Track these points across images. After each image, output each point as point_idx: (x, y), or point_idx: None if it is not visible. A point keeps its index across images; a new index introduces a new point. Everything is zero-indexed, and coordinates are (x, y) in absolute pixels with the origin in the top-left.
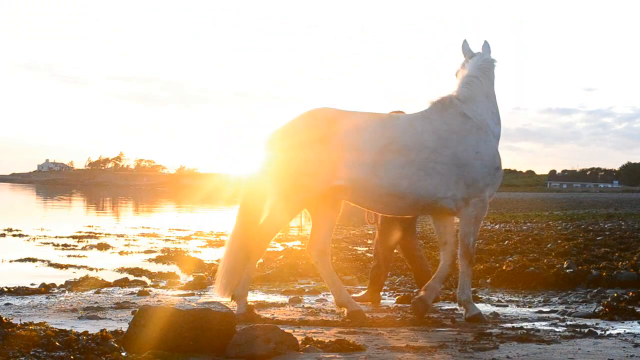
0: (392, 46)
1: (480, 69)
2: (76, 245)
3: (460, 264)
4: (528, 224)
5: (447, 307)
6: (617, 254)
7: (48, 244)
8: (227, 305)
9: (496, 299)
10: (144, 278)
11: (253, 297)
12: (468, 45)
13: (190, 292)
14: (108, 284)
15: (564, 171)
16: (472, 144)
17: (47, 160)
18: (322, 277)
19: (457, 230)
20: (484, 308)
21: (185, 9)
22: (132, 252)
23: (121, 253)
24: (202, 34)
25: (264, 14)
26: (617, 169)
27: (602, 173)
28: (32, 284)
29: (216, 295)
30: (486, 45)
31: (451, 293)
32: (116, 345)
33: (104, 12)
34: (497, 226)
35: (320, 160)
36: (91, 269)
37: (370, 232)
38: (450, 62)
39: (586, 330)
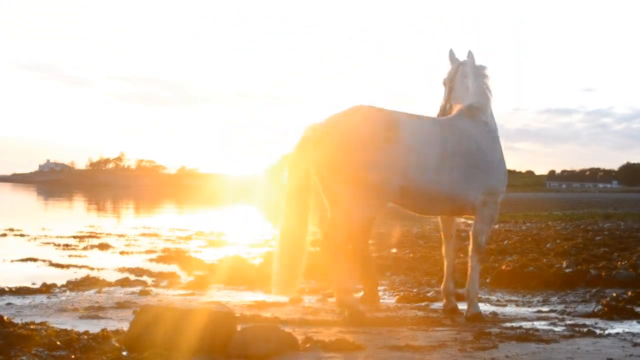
0: (392, 46)
1: (483, 77)
2: (77, 245)
3: (471, 260)
4: (527, 223)
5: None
6: (616, 254)
7: (49, 243)
8: (227, 305)
9: (495, 298)
10: (144, 278)
11: (253, 297)
12: (454, 54)
13: (191, 291)
14: (109, 284)
15: (563, 171)
16: (497, 151)
17: (48, 161)
18: (331, 274)
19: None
20: (483, 307)
21: (185, 9)
22: (133, 252)
23: (122, 253)
24: (202, 34)
25: (264, 14)
26: (616, 169)
27: (602, 173)
28: (33, 284)
29: (276, 293)
30: (471, 54)
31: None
32: (117, 344)
33: (104, 13)
34: (496, 226)
35: (390, 161)
36: (92, 269)
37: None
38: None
39: (585, 329)
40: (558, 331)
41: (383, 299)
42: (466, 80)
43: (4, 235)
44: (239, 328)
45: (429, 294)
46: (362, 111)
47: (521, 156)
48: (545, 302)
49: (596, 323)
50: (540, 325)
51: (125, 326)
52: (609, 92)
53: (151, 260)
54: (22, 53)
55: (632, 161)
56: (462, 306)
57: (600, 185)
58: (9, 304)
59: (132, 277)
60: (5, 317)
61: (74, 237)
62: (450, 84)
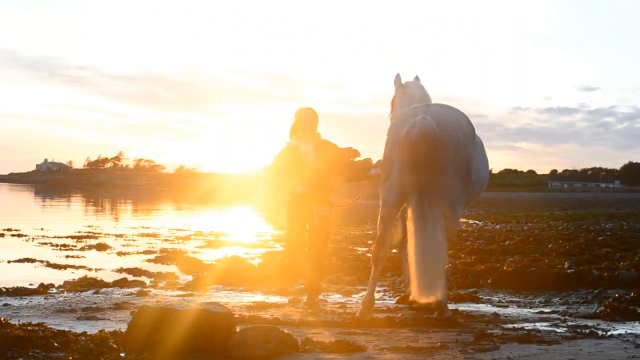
0: (392, 46)
1: (425, 89)
2: (75, 246)
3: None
4: (529, 224)
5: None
6: (618, 254)
7: (47, 244)
8: (226, 305)
9: (497, 299)
10: (142, 278)
11: (252, 297)
12: (400, 78)
13: (189, 292)
14: (107, 285)
15: (565, 171)
16: None
17: (45, 160)
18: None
19: None
20: (484, 308)
21: (185, 9)
22: (131, 253)
23: (120, 253)
24: (202, 34)
25: (264, 14)
26: (618, 169)
27: (604, 173)
28: (30, 285)
29: (419, 298)
30: (417, 77)
31: (451, 293)
32: (115, 346)
33: (104, 12)
34: (498, 226)
35: (473, 158)
36: (90, 270)
37: (370, 232)
38: (450, 62)
39: (587, 330)
40: (560, 332)
41: (383, 299)
42: (408, 90)
43: (2, 235)
44: (238, 329)
45: None
46: (447, 108)
47: (522, 156)
48: (547, 303)
49: (598, 324)
50: (542, 326)
51: (123, 327)
52: (611, 92)
53: (149, 260)
54: (20, 52)
55: (634, 161)
56: (463, 307)
57: (603, 185)
58: (6, 304)
59: (130, 278)
60: (2, 318)
61: (72, 237)
62: (393, 102)
